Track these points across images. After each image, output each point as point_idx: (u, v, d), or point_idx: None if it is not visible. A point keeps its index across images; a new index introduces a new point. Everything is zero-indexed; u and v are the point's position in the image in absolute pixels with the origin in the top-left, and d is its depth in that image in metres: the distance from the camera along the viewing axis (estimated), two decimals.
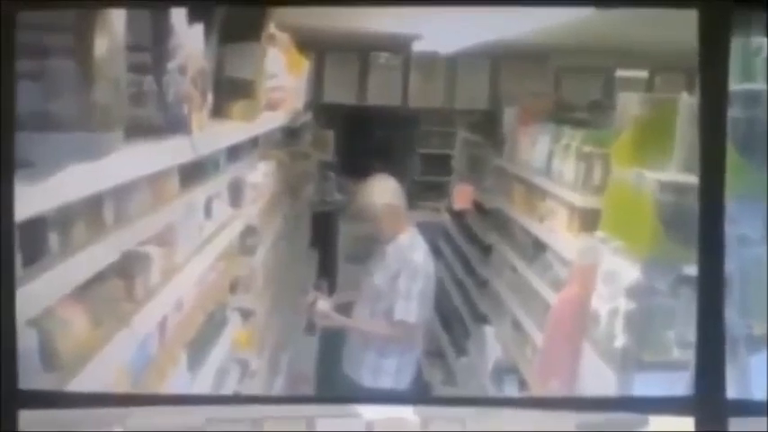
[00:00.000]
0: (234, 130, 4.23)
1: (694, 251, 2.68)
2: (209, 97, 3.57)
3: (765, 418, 2.70)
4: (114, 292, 2.79)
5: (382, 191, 5.69)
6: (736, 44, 3.32)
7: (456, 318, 8.03)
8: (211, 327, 4.17)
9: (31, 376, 2.30)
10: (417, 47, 8.25)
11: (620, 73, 8.63)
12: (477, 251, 7.54)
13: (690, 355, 2.83)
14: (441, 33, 7.00)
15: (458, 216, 8.73)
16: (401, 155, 11.28)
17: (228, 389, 4.53)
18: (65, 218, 2.45)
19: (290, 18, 5.46)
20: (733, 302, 3.19)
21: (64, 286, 2.37)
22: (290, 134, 7.36)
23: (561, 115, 6.14)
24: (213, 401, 3.39)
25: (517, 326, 5.88)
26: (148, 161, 2.84)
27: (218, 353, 4.23)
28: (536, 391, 5.06)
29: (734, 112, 3.05)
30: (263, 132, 5.36)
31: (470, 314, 7.57)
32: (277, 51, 5.14)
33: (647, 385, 3.67)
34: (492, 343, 6.56)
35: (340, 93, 9.61)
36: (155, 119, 3.01)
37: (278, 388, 6.00)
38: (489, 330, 6.74)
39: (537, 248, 5.62)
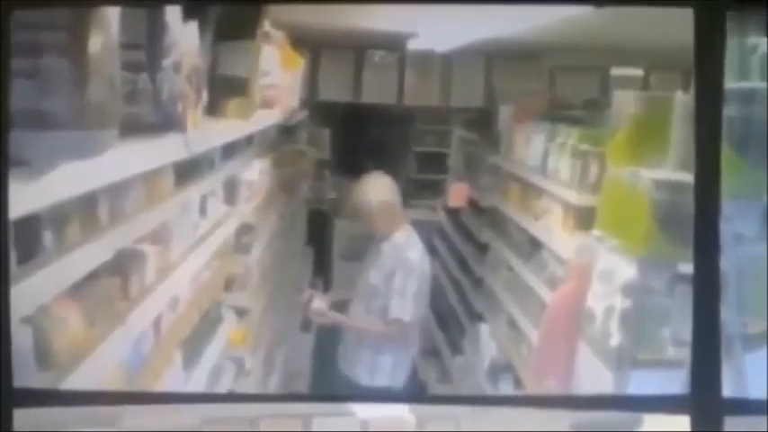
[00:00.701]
0: (229, 128, 4.22)
1: (690, 249, 2.69)
2: (204, 95, 3.57)
3: (761, 417, 2.70)
4: (109, 290, 2.79)
5: (377, 188, 5.68)
6: (732, 42, 3.32)
7: (451, 316, 8.03)
8: (206, 325, 4.17)
9: (25, 374, 2.30)
10: (412, 45, 8.24)
11: (616, 71, 8.63)
12: (473, 249, 7.54)
13: (685, 354, 2.83)
14: (436, 31, 7.00)
15: (453, 214, 8.74)
16: (396, 153, 11.28)
17: (224, 387, 4.52)
18: (59, 216, 2.45)
19: (285, 16, 5.45)
20: (728, 301, 3.19)
21: (59, 284, 2.37)
22: (286, 132, 7.36)
23: (557, 113, 6.14)
24: (208, 400, 3.39)
25: (513, 324, 5.88)
26: (143, 159, 2.84)
27: (213, 351, 4.22)
28: (531, 389, 5.06)
29: (729, 111, 3.05)
30: (258, 130, 5.35)
31: (466, 312, 7.58)
32: (272, 49, 5.13)
33: (643, 384, 3.67)
34: (487, 341, 6.57)
35: (335, 91, 9.61)
36: (149, 117, 3.01)
37: (273, 386, 6.00)
38: (485, 329, 6.74)
39: (532, 247, 5.63)
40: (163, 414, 2.78)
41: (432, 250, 8.91)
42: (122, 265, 2.90)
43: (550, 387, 4.38)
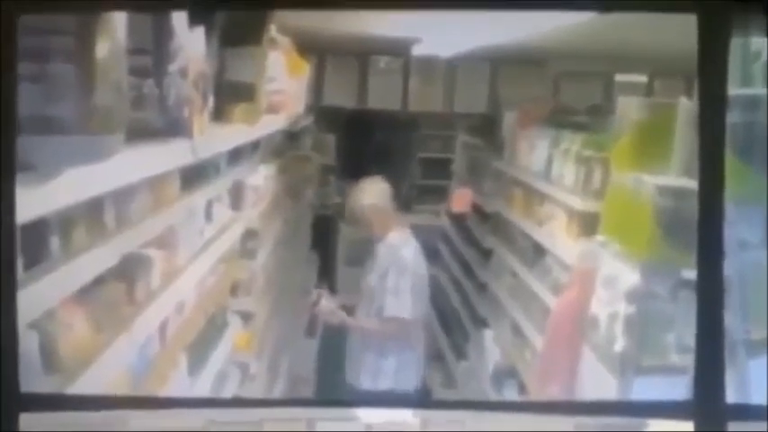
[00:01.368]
0: (235, 134, 4.23)
1: (693, 255, 2.69)
2: (210, 100, 3.58)
3: (764, 423, 2.70)
4: (115, 294, 2.79)
5: (369, 192, 5.76)
6: (735, 49, 3.32)
7: (456, 321, 8.03)
8: (212, 330, 4.17)
9: (32, 379, 2.31)
10: (417, 51, 8.26)
11: (620, 77, 8.63)
12: (477, 255, 7.54)
13: (689, 360, 2.83)
14: (440, 37, 7.01)
15: (457, 220, 8.74)
16: (401, 158, 11.28)
17: (228, 392, 4.53)
18: (66, 221, 2.46)
19: (291, 22, 5.46)
20: (732, 307, 3.19)
21: (65, 289, 2.38)
22: (291, 137, 7.37)
23: (561, 119, 6.14)
24: (213, 404, 3.39)
25: (517, 330, 5.88)
26: (149, 164, 2.85)
27: (219, 356, 4.23)
28: (535, 394, 5.06)
29: (733, 117, 3.05)
30: (263, 136, 5.36)
31: (470, 318, 7.57)
32: (278, 55, 5.14)
33: (647, 389, 3.67)
34: (491, 347, 6.56)
35: (340, 96, 9.62)
36: (155, 122, 3.02)
37: (278, 391, 6.00)
38: (489, 334, 6.74)
39: (536, 252, 5.63)
40: (168, 419, 2.79)
41: (435, 255, 8.94)
42: (128, 270, 2.91)
43: (554, 392, 4.38)
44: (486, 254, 7.21)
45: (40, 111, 2.21)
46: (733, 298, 3.24)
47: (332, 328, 6.04)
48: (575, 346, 4.16)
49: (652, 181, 3.79)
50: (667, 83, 8.21)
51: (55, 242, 2.40)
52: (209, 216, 4.10)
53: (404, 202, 10.61)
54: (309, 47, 6.95)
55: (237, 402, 4.05)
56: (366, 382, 5.63)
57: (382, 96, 9.72)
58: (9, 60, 2.29)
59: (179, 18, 3.09)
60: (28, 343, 2.27)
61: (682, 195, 3.64)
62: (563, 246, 4.99)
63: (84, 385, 2.40)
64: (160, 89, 3.01)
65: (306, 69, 6.54)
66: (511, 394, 5.78)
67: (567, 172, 5.07)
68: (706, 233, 2.62)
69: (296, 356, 6.84)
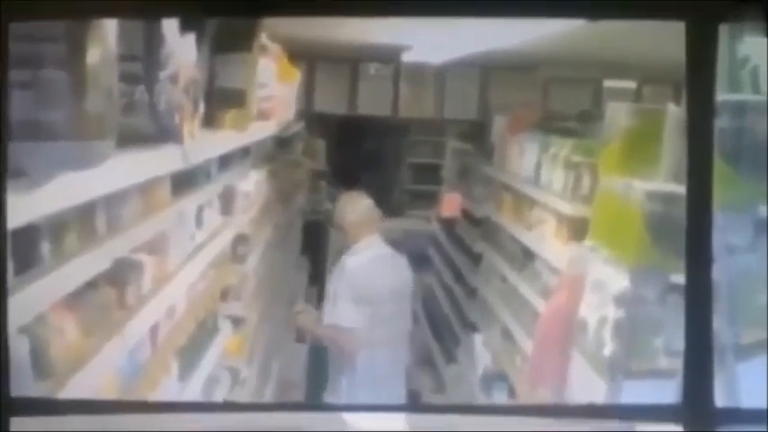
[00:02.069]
0: (225, 140, 4.24)
1: (682, 260, 2.70)
2: (201, 107, 3.59)
3: (754, 427, 2.71)
4: (106, 299, 2.80)
5: (350, 206, 5.80)
6: (723, 55, 3.34)
7: (445, 326, 8.05)
8: (202, 334, 4.18)
9: (23, 383, 2.31)
10: (407, 57, 8.27)
11: (609, 83, 8.67)
12: (467, 260, 7.56)
13: (678, 364, 2.84)
14: (430, 44, 7.03)
15: (447, 225, 8.76)
16: (391, 164, 11.31)
17: (219, 396, 4.53)
18: (57, 226, 2.46)
19: (282, 29, 5.48)
20: (721, 311, 3.20)
21: (56, 294, 2.38)
22: (282, 143, 7.39)
23: (550, 125, 6.17)
24: (204, 409, 3.39)
25: (506, 334, 5.90)
26: (140, 170, 2.86)
27: (209, 361, 4.24)
28: (525, 398, 5.07)
29: (721, 123, 3.08)
30: (254, 142, 5.37)
31: (460, 322, 7.59)
32: (268, 61, 5.15)
33: (636, 393, 3.68)
34: (481, 351, 6.58)
35: (331, 102, 9.64)
36: (146, 128, 3.02)
37: (268, 395, 6.00)
38: (479, 338, 6.75)
39: (526, 257, 5.65)
40: (158, 423, 2.78)
41: (426, 260, 8.96)
42: (119, 275, 2.91)
43: (544, 396, 4.40)
44: (476, 259, 7.23)
45: (31, 117, 2.21)
46: (721, 302, 3.26)
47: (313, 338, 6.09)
48: (564, 351, 4.17)
49: (641, 186, 3.80)
50: (656, 89, 8.25)
51: (46, 247, 2.40)
52: (199, 221, 4.10)
53: (394, 208, 10.65)
54: (300, 53, 6.97)
55: (228, 407, 4.05)
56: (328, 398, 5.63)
57: (372, 102, 9.75)
58: (0, 67, 2.29)
59: (170, 25, 3.10)
60: (19, 348, 2.27)
61: (670, 201, 3.65)
62: (552, 250, 5.01)
63: (74, 390, 2.40)
64: (151, 95, 3.01)
65: (296, 76, 6.55)
66: (500, 398, 5.79)
67: (557, 177, 5.09)
68: (694, 238, 2.63)
69: (286, 361, 6.85)
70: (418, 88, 9.81)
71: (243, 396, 4.99)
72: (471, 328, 7.11)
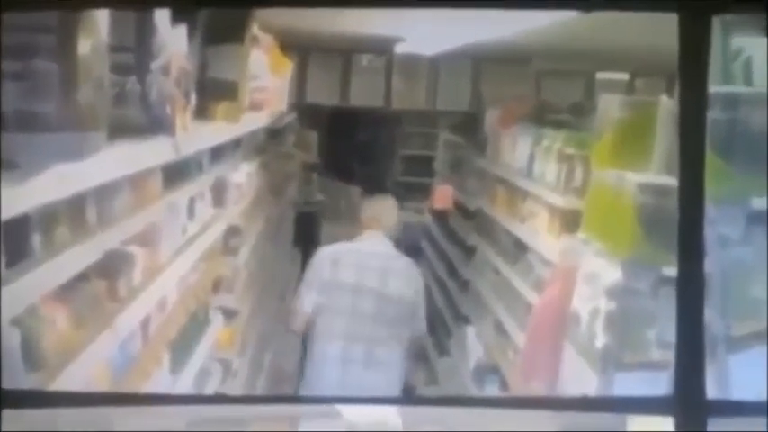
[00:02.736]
0: (217, 131, 4.23)
1: (674, 252, 2.70)
2: (193, 98, 3.58)
3: (745, 419, 2.72)
4: (97, 291, 2.79)
5: (377, 205, 5.71)
6: (716, 47, 3.35)
7: (438, 318, 8.05)
8: (194, 327, 4.17)
9: (14, 376, 2.30)
10: (400, 49, 8.28)
11: (601, 76, 8.68)
12: (460, 252, 7.57)
13: (670, 356, 2.84)
14: (423, 36, 7.02)
15: (440, 217, 8.76)
16: (383, 156, 11.30)
17: (211, 389, 4.53)
18: (48, 218, 2.46)
19: (274, 20, 5.47)
20: (713, 303, 3.21)
21: (47, 286, 2.38)
22: (274, 135, 7.37)
23: (542, 117, 6.17)
24: (196, 401, 3.39)
25: (499, 326, 5.90)
26: (131, 161, 2.85)
27: (201, 353, 4.23)
28: (517, 391, 5.08)
29: (713, 115, 3.07)
30: (246, 133, 5.36)
31: (452, 315, 7.60)
32: (260, 53, 5.14)
33: (628, 385, 3.68)
34: (474, 343, 6.58)
35: (323, 94, 9.64)
36: (138, 119, 3.01)
37: (260, 388, 6.00)
38: (471, 331, 6.76)
39: (518, 249, 5.65)
40: (150, 415, 2.78)
41: (418, 253, 8.95)
42: (110, 267, 2.90)
43: (536, 389, 4.40)
44: (469, 251, 7.24)
45: (23, 108, 2.20)
46: (714, 294, 3.26)
47: None
48: (556, 343, 4.17)
49: (633, 179, 3.80)
50: (648, 81, 8.26)
51: (37, 239, 2.39)
52: (191, 213, 4.09)
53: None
54: (292, 45, 6.96)
55: (220, 399, 4.05)
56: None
57: (365, 94, 9.75)
58: None
59: (161, 15, 3.09)
60: (10, 340, 2.27)
61: (663, 193, 3.65)
62: (545, 243, 5.01)
63: (65, 382, 2.39)
64: (142, 86, 3.01)
65: (288, 67, 6.54)
66: (493, 390, 5.79)
67: (549, 170, 5.08)
68: (687, 230, 2.63)
69: (278, 353, 6.85)
70: (411, 80, 9.82)
71: (235, 388, 4.98)
72: (464, 320, 7.11)
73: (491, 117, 7.07)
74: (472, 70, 9.50)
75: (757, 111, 3.37)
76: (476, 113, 8.10)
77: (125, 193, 3.07)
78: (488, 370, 6.01)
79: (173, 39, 3.20)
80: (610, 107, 4.27)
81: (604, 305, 3.80)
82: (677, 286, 2.67)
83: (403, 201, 10.50)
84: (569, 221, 4.62)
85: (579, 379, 3.91)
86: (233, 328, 5.05)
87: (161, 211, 3.49)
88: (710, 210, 2.79)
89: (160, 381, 3.44)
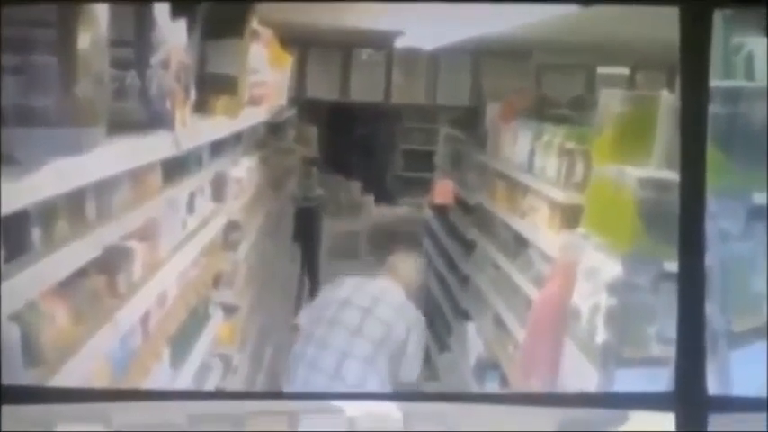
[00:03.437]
0: (217, 126, 4.23)
1: (675, 247, 2.70)
2: (192, 92, 3.57)
3: (745, 414, 2.72)
4: (97, 287, 2.79)
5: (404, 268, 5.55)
6: (717, 41, 3.34)
7: (438, 313, 8.05)
8: (194, 322, 4.17)
9: (13, 372, 2.30)
10: (400, 43, 8.26)
11: (602, 70, 8.67)
12: (460, 247, 7.56)
13: (670, 351, 2.84)
14: (423, 30, 7.01)
15: (440, 212, 8.75)
16: (383, 151, 11.30)
17: (211, 384, 4.53)
18: (47, 213, 2.45)
19: (274, 14, 5.45)
20: (713, 298, 3.20)
21: (46, 281, 2.37)
22: (273, 130, 7.37)
23: (543, 112, 6.16)
24: (195, 397, 3.39)
25: (499, 322, 5.90)
26: (131, 156, 2.84)
27: (201, 348, 4.23)
28: (517, 386, 5.07)
29: (714, 109, 3.07)
30: (246, 128, 5.36)
31: (452, 310, 7.59)
32: (260, 47, 5.13)
33: (628, 381, 3.68)
34: (474, 339, 6.58)
35: (323, 89, 9.63)
36: (137, 114, 3.01)
37: (260, 383, 6.00)
38: (471, 326, 6.75)
39: (519, 244, 5.64)
40: (150, 411, 2.78)
41: (418, 247, 8.94)
42: (110, 262, 2.90)
43: (536, 384, 4.39)
44: (469, 246, 7.23)
45: (22, 102, 2.20)
46: (714, 290, 3.26)
47: None
48: (556, 338, 4.16)
49: (634, 173, 3.79)
50: (649, 75, 8.26)
51: (36, 234, 2.39)
52: (191, 208, 4.09)
53: (386, 195, 10.65)
54: (292, 39, 6.94)
55: (220, 395, 4.05)
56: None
57: (365, 89, 9.74)
58: None
59: (161, 10, 3.08)
60: (9, 335, 2.26)
61: (663, 187, 3.64)
62: (545, 238, 5.00)
63: (65, 377, 2.39)
64: (142, 81, 3.00)
65: (288, 62, 6.53)
66: (493, 386, 5.79)
67: (550, 164, 5.07)
68: (687, 225, 2.63)
69: (278, 348, 6.84)
70: (411, 75, 9.81)
71: (235, 384, 4.98)
72: (464, 315, 7.11)
73: (491, 111, 7.05)
74: (472, 64, 9.49)
75: (758, 105, 3.36)
76: (476, 108, 8.08)
77: (125, 188, 3.06)
78: (489, 365, 6.01)
79: (172, 33, 3.19)
80: (610, 102, 4.26)
81: (605, 300, 3.80)
82: (678, 281, 2.67)
83: (403, 195, 10.54)
84: (570, 216, 4.61)
85: (579, 374, 3.90)
86: (233, 323, 5.04)
87: (161, 205, 3.48)
88: (711, 204, 2.78)
89: (160, 376, 3.44)
